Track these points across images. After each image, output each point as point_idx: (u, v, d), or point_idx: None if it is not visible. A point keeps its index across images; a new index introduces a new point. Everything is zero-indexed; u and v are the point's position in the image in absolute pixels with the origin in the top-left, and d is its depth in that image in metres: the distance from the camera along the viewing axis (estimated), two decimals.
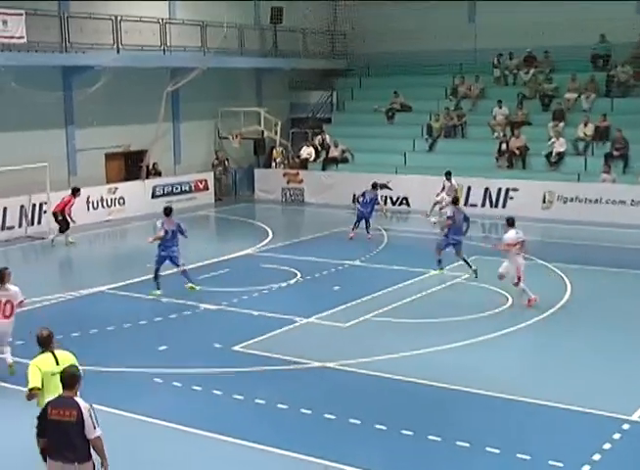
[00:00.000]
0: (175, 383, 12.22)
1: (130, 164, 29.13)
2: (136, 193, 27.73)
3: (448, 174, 25.29)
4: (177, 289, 17.48)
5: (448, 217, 18.66)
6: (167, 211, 17.35)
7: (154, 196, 28.38)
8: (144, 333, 14.82)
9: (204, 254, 21.02)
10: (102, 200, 26.46)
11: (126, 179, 28.65)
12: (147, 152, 28.79)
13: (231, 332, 14.49)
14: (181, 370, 12.72)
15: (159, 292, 17.07)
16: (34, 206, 24.27)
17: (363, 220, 22.89)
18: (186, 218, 21.27)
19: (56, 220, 22.93)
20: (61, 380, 7.66)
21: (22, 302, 12.73)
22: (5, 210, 23.63)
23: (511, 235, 16.05)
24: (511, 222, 16.29)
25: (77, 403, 7.56)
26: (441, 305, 16.21)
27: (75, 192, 23.19)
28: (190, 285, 17.29)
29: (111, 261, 21.73)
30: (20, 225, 24.04)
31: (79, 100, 26.22)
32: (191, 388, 12.04)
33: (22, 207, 24.02)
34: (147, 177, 28.67)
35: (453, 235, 18.34)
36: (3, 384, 12.15)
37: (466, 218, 18.53)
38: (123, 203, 27.25)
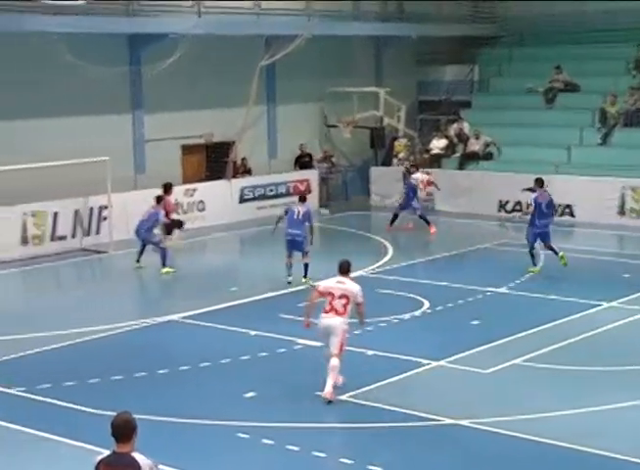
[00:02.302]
0: (265, 440, 12.26)
1: (212, 160, 29.67)
2: (220, 196, 28.20)
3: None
4: (269, 318, 17.63)
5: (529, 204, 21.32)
6: None
7: (242, 200, 28.79)
8: (226, 375, 14.95)
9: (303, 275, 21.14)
10: (176, 204, 26.94)
11: (207, 178, 29.17)
12: (234, 144, 29.24)
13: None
14: (273, 424, 12.75)
15: None
16: (92, 210, 24.99)
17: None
18: (282, 229, 21.41)
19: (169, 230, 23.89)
20: (113, 432, 7.73)
21: None
22: (56, 215, 24.38)
23: None
24: None
25: (136, 461, 7.62)
26: (618, 348, 15.83)
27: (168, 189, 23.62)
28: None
29: (185, 283, 22.09)
30: (73, 235, 24.78)
31: (149, 77, 26.86)
32: (285, 447, 12.05)
33: (76, 211, 24.77)
34: (233, 176, 29.12)
35: (539, 220, 20.73)
36: (48, 435, 12.46)
37: (550, 204, 20.94)
38: (203, 208, 27.74)
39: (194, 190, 27.65)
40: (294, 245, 20.43)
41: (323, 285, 13.86)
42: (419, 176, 27.55)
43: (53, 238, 24.42)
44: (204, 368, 15.20)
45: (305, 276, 20.46)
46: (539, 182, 21.45)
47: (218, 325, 17.65)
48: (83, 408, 13.32)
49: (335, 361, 13.45)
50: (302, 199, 21.43)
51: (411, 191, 27.09)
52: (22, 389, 14.17)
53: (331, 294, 13.65)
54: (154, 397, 13.78)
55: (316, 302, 13.89)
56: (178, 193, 27.06)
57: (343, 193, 32.52)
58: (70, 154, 23.94)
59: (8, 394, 14.07)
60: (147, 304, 20.30)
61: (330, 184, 31.75)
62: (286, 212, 20.87)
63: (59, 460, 11.70)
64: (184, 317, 18.25)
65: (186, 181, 28.58)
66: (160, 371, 15.02)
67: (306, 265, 20.53)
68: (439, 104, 33.70)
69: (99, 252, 24.30)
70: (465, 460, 11.78)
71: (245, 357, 15.69)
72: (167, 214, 23.08)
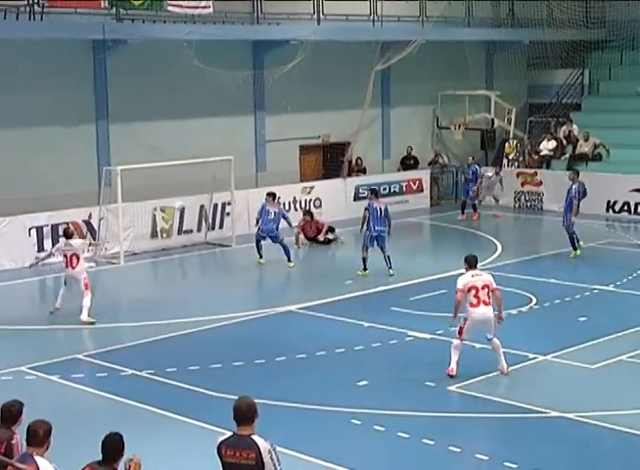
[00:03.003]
0: (377, 427, 12.32)
1: (329, 159, 29.87)
2: (335, 194, 28.34)
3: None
4: (381, 310, 17.69)
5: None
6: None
7: (356, 198, 28.86)
8: (340, 364, 15.07)
9: (416, 270, 21.11)
10: (294, 201, 27.23)
11: (324, 177, 29.36)
12: (349, 144, 29.36)
13: (446, 367, 14.43)
14: (384, 412, 12.80)
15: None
16: (216, 206, 25.39)
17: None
18: (394, 226, 21.45)
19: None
20: (235, 415, 7.80)
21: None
22: (182, 210, 24.88)
23: None
24: None
25: (256, 443, 7.66)
26: None
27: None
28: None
29: (302, 276, 22.32)
30: (198, 229, 25.25)
31: (271, 81, 27.16)
32: (396, 434, 12.09)
33: (201, 207, 25.22)
34: (349, 175, 29.24)
35: None
36: (174, 415, 12.75)
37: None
38: (320, 205, 27.91)
39: (311, 188, 27.85)
40: (379, 240, 20.83)
41: (462, 283, 13.98)
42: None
43: (180, 232, 24.92)
44: (319, 357, 15.32)
45: (391, 267, 20.75)
46: None
47: (333, 316, 17.76)
48: (206, 391, 13.59)
49: (497, 340, 14.10)
50: (375, 193, 21.81)
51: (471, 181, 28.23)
52: (151, 371, 14.54)
53: (474, 288, 13.87)
54: (272, 382, 13.97)
55: (461, 300, 13.96)
56: (296, 191, 27.35)
57: (454, 192, 32.31)
58: (196, 152, 24.38)
59: (139, 376, 14.45)
60: (266, 295, 20.53)
61: (440, 184, 31.60)
62: (367, 209, 21.11)
63: (183, 439, 11.96)
64: (301, 308, 18.42)
65: (304, 179, 28.85)
66: (279, 359, 15.19)
67: (389, 257, 20.84)
68: (549, 107, 33.22)
69: (222, 245, 24.69)
70: (572, 452, 11.63)
71: (358, 347, 15.76)
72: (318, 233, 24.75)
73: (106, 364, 14.95)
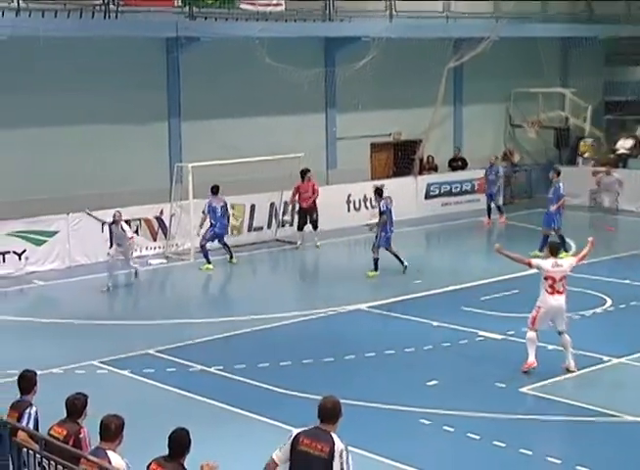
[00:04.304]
0: (446, 427, 12.25)
1: (400, 157, 29.73)
2: (406, 192, 28.18)
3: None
4: (451, 310, 17.58)
5: None
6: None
7: (427, 196, 28.72)
8: (410, 363, 15.01)
9: (487, 269, 20.91)
10: (365, 199, 27.15)
11: (395, 175, 29.25)
12: (421, 142, 29.21)
13: (517, 369, 14.27)
14: (454, 412, 12.72)
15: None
16: (286, 204, 25.43)
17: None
18: (465, 225, 21.31)
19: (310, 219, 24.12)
20: (321, 412, 7.91)
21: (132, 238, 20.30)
22: (253, 207, 25.00)
23: None
24: None
25: (333, 440, 7.82)
26: None
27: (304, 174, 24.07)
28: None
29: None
30: (269, 226, 25.33)
31: (343, 78, 27.12)
32: (466, 435, 12.01)
33: (271, 204, 25.30)
34: (420, 173, 29.08)
35: None
36: (243, 412, 12.80)
37: None
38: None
39: (382, 186, 27.66)
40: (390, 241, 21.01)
41: (541, 264, 14.25)
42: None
43: (250, 229, 25.03)
44: (388, 355, 15.27)
45: (402, 260, 21.05)
46: None
47: (402, 315, 17.71)
48: (275, 389, 13.62)
49: (567, 337, 14.08)
50: (379, 193, 21.55)
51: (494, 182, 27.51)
52: (220, 367, 14.61)
53: (551, 278, 14.05)
54: (341, 381, 13.93)
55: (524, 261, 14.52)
56: (367, 188, 27.24)
57: (528, 191, 31.94)
58: (267, 150, 24.47)
59: (207, 372, 14.54)
60: (335, 293, 20.45)
61: (512, 183, 31.23)
62: (384, 213, 21.06)
63: (251, 436, 11.98)
64: (371, 307, 18.38)
65: (375, 177, 28.75)
66: (348, 357, 15.18)
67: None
68: (626, 104, 32.63)
69: (291, 242, 24.72)
70: None
71: (427, 347, 15.69)
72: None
73: (176, 360, 15.09)
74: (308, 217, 24.28)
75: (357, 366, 14.82)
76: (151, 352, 15.59)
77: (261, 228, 25.23)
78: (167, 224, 23.49)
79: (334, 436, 7.83)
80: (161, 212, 23.53)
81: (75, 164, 23.17)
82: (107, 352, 15.38)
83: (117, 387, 14.10)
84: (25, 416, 9.06)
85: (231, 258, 22.47)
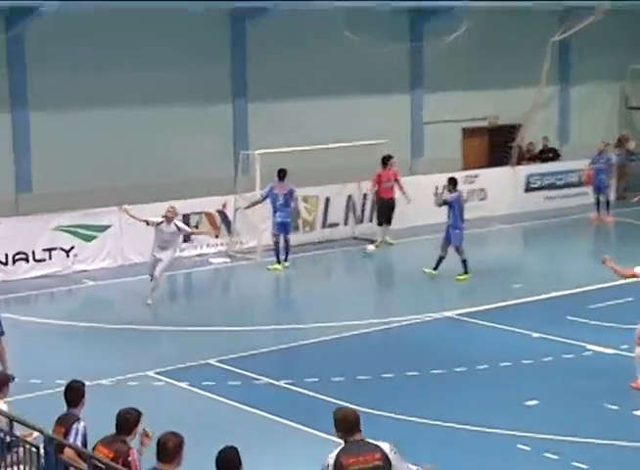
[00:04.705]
0: (548, 454, 12.11)
1: (496, 144, 29.56)
2: (503, 183, 28.06)
3: None
4: (554, 319, 17.39)
5: None
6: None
7: (527, 189, 28.49)
8: (505, 380, 14.89)
9: (595, 273, 20.59)
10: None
11: (490, 164, 29.07)
12: (520, 127, 29.01)
13: (631, 389, 14.07)
14: (557, 437, 12.56)
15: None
16: (365, 197, 25.41)
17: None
18: (570, 222, 21.06)
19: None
20: (345, 424, 8.07)
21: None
22: (327, 200, 25.01)
23: None
24: None
25: (375, 445, 8.03)
26: None
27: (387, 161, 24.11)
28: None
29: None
30: (345, 222, 25.35)
31: (431, 54, 27.02)
32: (571, 464, 11.86)
33: (349, 197, 25.31)
34: (519, 163, 28.87)
35: None
36: (314, 431, 12.80)
37: None
38: (484, 197, 27.66)
39: (475, 176, 27.60)
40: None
41: None
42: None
43: (324, 225, 25.06)
44: (480, 371, 15.17)
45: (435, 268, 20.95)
46: None
47: (497, 325, 17.57)
48: (354, 406, 13.53)
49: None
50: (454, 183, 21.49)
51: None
52: (290, 381, 14.65)
53: None
54: (427, 399, 13.89)
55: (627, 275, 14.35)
56: (458, 179, 27.04)
57: None
58: (345, 136, 24.50)
59: (275, 385, 14.57)
60: (420, 298, 20.36)
61: (628, 173, 30.78)
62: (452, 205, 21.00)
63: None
64: (461, 314, 18.28)
65: (467, 167, 28.62)
66: (434, 371, 15.11)
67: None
68: None
69: (372, 241, 24.65)
70: None
71: (526, 362, 15.55)
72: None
73: (239, 371, 15.17)
74: (390, 211, 24.21)
75: (445, 382, 14.74)
76: (212, 362, 15.70)
77: (337, 224, 25.24)
78: (231, 219, 23.64)
79: (371, 440, 8.05)
80: (225, 206, 23.70)
81: (127, 152, 23.47)
82: (163, 362, 15.52)
83: (174, 401, 14.24)
84: (73, 432, 9.18)
85: (285, 259, 22.34)
